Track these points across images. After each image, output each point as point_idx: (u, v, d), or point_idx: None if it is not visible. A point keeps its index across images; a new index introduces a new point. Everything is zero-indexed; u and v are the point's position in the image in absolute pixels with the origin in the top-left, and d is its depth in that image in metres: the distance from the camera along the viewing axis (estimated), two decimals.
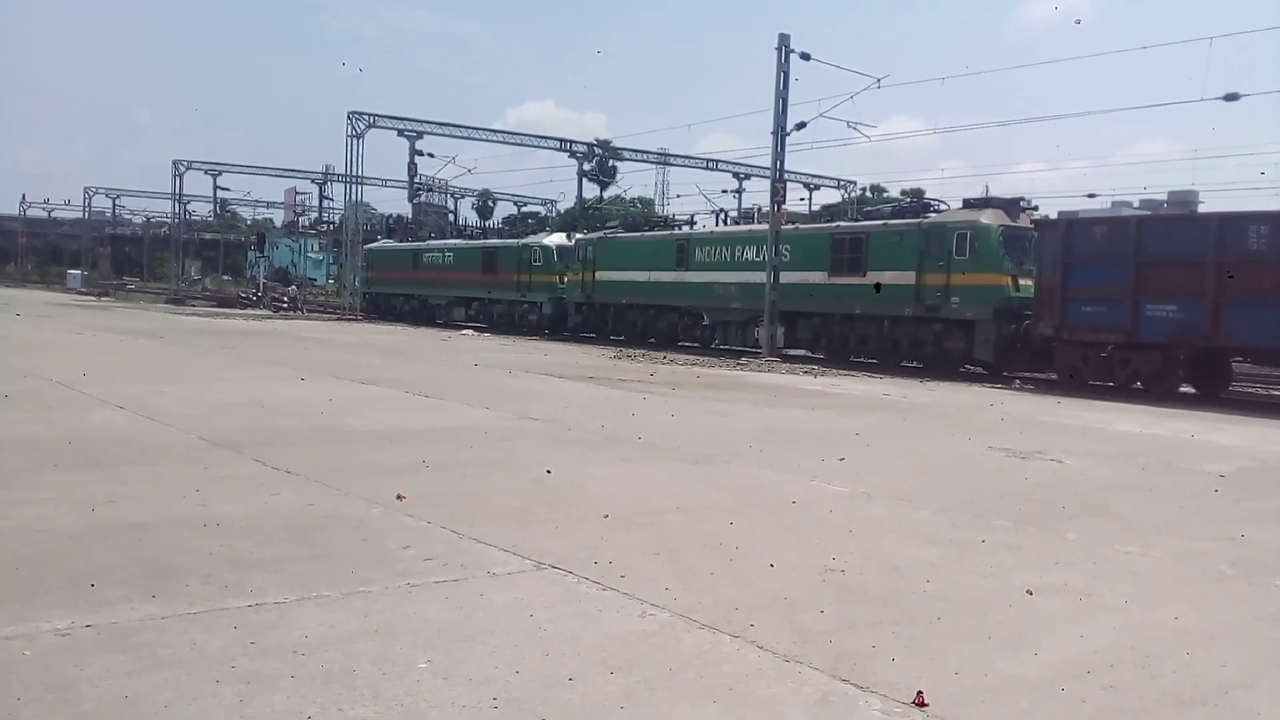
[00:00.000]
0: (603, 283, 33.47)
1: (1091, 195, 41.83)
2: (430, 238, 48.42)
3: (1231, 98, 24.35)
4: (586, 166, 55.42)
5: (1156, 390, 18.66)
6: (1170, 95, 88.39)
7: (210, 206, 78.34)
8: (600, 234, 35.76)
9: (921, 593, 5.21)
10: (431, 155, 50.74)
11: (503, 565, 5.37)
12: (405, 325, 39.98)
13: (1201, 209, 20.40)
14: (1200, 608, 5.19)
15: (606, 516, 6.64)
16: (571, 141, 53.90)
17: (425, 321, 41.88)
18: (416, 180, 52.46)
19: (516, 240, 40.44)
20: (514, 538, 5.90)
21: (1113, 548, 6.43)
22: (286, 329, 32.05)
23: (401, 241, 49.75)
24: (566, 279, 35.36)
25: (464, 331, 36.34)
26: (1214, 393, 19.38)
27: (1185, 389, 19.51)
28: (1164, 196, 21.64)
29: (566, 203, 64.54)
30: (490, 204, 74.78)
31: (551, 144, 53.29)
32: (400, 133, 48.62)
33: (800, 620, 4.65)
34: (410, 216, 57.66)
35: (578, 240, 35.99)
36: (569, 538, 6.01)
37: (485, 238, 46.14)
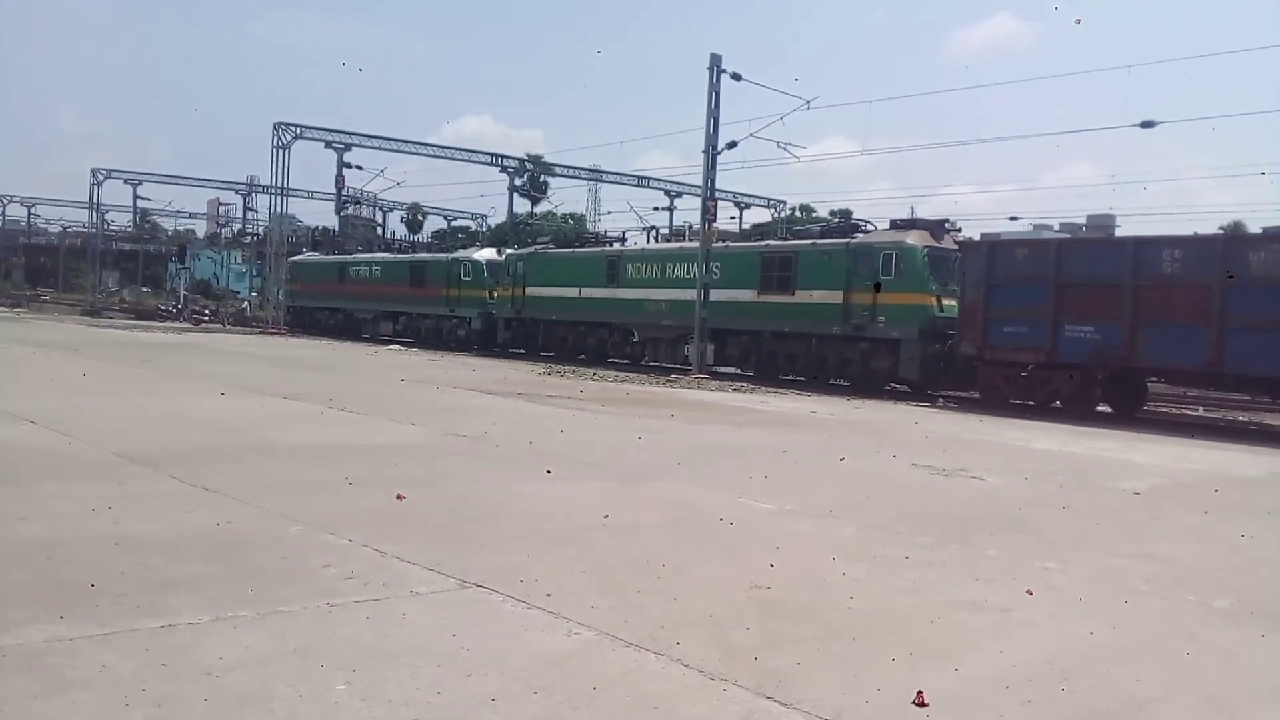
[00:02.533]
0: (533, 298, 33.33)
1: (1014, 218, 42.79)
2: (357, 251, 47.87)
3: (1147, 125, 25.16)
4: (518, 182, 55.37)
5: (1075, 409, 19.12)
6: (1095, 121, 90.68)
7: (130, 216, 76.76)
8: (531, 249, 35.65)
9: (846, 609, 5.25)
10: (360, 168, 50.32)
11: (426, 584, 5.30)
12: (330, 340, 39.39)
13: (1119, 233, 21.03)
14: (1116, 623, 5.30)
15: (534, 534, 6.59)
16: (503, 156, 53.82)
17: (351, 336, 41.34)
18: (344, 193, 51.89)
19: (446, 254, 40.11)
20: (438, 556, 5.82)
21: (1032, 564, 6.55)
22: (208, 342, 31.38)
23: (327, 254, 49.09)
24: (496, 294, 35.11)
25: (391, 346, 35.94)
26: (1130, 412, 19.91)
27: (1103, 408, 20.02)
28: (1083, 220, 22.28)
29: (498, 218, 64.34)
30: (420, 218, 74.36)
31: (483, 159, 53.09)
32: (328, 144, 48.08)
33: (726, 638, 4.65)
34: (337, 229, 57.01)
35: (508, 255, 35.78)
36: (495, 556, 5.95)
37: (414, 252, 45.71)
